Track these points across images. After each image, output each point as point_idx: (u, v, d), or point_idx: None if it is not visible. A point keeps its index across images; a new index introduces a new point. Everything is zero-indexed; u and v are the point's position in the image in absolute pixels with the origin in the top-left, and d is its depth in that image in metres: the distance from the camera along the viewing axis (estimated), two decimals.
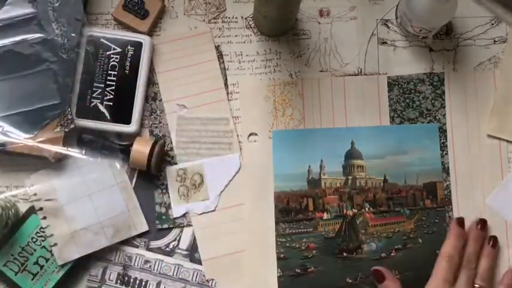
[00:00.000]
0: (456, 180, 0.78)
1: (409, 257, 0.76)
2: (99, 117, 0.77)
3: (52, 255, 0.75)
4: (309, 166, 0.78)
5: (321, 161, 0.78)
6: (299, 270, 0.76)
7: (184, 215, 0.77)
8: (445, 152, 0.79)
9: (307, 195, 0.78)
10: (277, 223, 0.77)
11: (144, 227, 0.77)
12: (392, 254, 0.76)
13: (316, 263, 0.76)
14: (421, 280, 0.73)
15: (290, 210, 0.77)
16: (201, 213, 0.77)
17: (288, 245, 0.76)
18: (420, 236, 0.77)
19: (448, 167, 0.79)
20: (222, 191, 0.77)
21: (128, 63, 0.78)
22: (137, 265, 0.77)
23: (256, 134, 0.78)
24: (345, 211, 0.78)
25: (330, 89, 0.80)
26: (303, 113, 0.79)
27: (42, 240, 0.75)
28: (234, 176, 0.78)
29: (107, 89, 0.77)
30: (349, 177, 0.78)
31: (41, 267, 0.75)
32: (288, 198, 0.77)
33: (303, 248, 0.76)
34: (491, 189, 0.78)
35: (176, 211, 0.77)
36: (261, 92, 0.79)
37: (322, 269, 0.76)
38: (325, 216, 0.77)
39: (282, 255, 0.76)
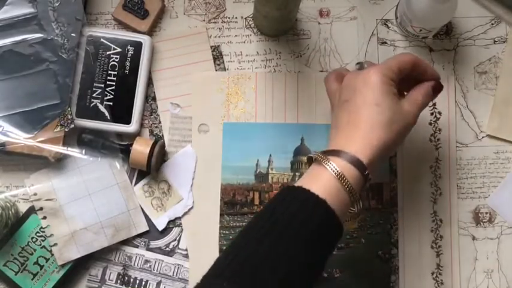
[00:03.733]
0: (403, 183, 0.78)
1: (350, 256, 0.76)
2: (99, 117, 0.77)
3: (52, 255, 0.75)
4: (258, 160, 0.78)
5: (270, 155, 0.78)
6: None
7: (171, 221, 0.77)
8: (393, 153, 0.79)
9: (253, 189, 0.78)
10: (222, 215, 0.77)
11: (144, 227, 0.77)
12: (334, 252, 0.76)
13: None
14: (361, 280, 0.73)
15: (235, 203, 0.77)
16: (183, 215, 0.77)
17: (231, 237, 0.76)
18: (363, 236, 0.77)
19: (396, 169, 0.78)
20: (191, 185, 0.77)
21: (128, 63, 0.78)
22: (137, 265, 0.77)
23: (206, 125, 0.78)
24: None
25: (283, 84, 0.80)
26: (255, 107, 0.79)
27: (42, 240, 0.75)
28: (195, 166, 0.78)
29: (107, 89, 0.77)
30: (297, 173, 0.78)
31: (41, 267, 0.75)
32: (235, 191, 0.78)
33: None
34: (438, 199, 0.78)
35: (159, 224, 0.77)
36: (214, 84, 0.79)
37: None
38: None
39: (225, 248, 0.76)
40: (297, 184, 0.60)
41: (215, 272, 0.57)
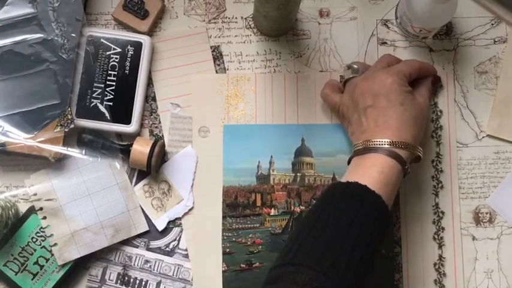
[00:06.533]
0: (405, 182, 0.78)
1: None
2: (99, 117, 0.77)
3: (52, 255, 0.75)
4: (259, 161, 0.78)
5: (271, 157, 0.78)
6: (244, 265, 0.76)
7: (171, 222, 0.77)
8: None
9: (255, 190, 0.78)
10: (224, 218, 0.77)
11: (144, 227, 0.77)
12: None
13: (261, 259, 0.76)
14: None
15: (238, 205, 0.77)
16: (183, 215, 0.77)
17: (234, 239, 0.76)
18: None
19: None
20: (192, 186, 0.77)
21: (128, 63, 0.78)
22: (137, 265, 0.77)
23: (207, 127, 0.78)
24: (292, 208, 0.78)
25: (282, 85, 0.80)
26: (255, 109, 0.79)
27: (42, 240, 0.75)
28: (195, 167, 0.78)
29: (107, 89, 0.77)
30: (298, 174, 0.78)
31: (41, 267, 0.75)
32: (237, 193, 0.78)
33: (249, 243, 0.76)
34: (440, 193, 0.78)
35: (159, 224, 0.77)
36: (213, 87, 0.79)
37: (267, 264, 0.76)
38: (273, 212, 0.78)
39: (228, 250, 0.76)
40: (350, 179, 0.64)
41: (297, 260, 0.60)
